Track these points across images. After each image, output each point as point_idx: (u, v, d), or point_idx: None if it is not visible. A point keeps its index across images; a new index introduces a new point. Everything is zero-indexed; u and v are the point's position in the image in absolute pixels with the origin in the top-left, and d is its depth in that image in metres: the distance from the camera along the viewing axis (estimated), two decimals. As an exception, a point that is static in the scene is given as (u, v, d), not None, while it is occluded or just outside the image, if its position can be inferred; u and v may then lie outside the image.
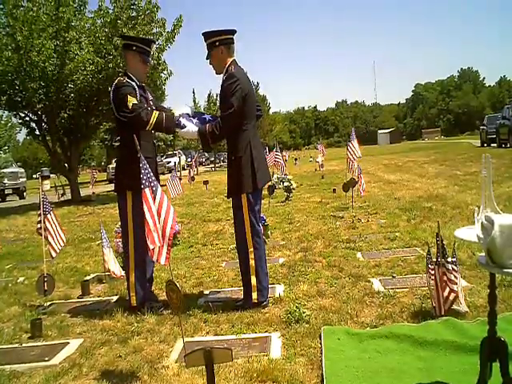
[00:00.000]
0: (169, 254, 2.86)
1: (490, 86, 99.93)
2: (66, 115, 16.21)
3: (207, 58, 3.97)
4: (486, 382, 2.14)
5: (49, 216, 4.53)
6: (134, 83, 3.99)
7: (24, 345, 3.54)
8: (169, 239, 2.83)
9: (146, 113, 3.83)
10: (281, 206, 10.01)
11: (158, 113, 3.88)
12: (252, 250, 3.83)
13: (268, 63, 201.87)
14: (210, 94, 43.94)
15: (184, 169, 29.16)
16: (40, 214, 4.53)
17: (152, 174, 2.88)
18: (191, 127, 3.91)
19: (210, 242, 6.82)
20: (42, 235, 4.54)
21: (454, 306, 3.26)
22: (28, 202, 18.67)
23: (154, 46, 7.37)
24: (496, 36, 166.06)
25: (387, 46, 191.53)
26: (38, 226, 4.59)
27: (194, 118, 4.01)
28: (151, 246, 2.80)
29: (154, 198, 2.82)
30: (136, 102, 3.85)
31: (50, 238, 4.51)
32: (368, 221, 7.16)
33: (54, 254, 4.56)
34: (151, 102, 4.20)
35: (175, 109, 4.11)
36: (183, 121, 3.91)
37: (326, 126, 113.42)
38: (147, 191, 2.81)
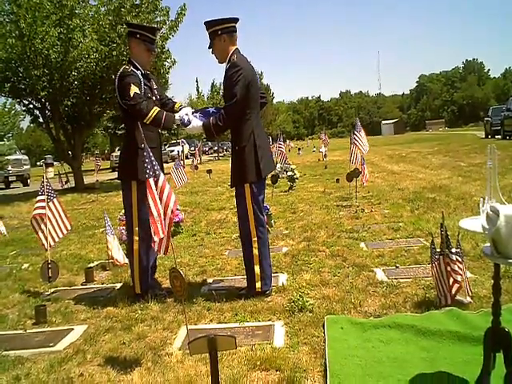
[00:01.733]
0: (168, 244, 2.86)
1: (494, 77, 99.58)
2: (69, 103, 16.18)
3: (209, 47, 3.93)
4: (490, 372, 2.15)
5: (51, 204, 4.48)
6: (138, 72, 3.97)
7: (28, 331, 3.56)
8: (168, 229, 2.82)
9: (145, 105, 3.81)
10: (284, 195, 10.00)
11: (158, 110, 3.87)
12: (255, 239, 3.82)
13: (272, 53, 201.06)
14: (213, 83, 43.92)
15: (187, 158, 29.12)
16: (38, 201, 4.45)
17: (157, 162, 2.87)
18: (196, 122, 3.90)
19: (213, 231, 6.82)
20: (36, 221, 4.42)
21: (458, 297, 3.26)
22: (32, 189, 18.67)
23: (159, 33, 7.36)
24: (501, 27, 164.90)
25: (392, 36, 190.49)
26: (34, 212, 4.45)
27: (196, 112, 4.02)
28: (155, 238, 2.79)
29: (157, 188, 2.81)
30: (138, 92, 3.83)
31: (49, 226, 4.42)
32: (371, 211, 7.15)
33: (48, 245, 4.42)
34: (156, 91, 4.17)
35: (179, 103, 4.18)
36: (187, 117, 3.91)
37: (330, 116, 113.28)
38: (151, 181, 2.80)
